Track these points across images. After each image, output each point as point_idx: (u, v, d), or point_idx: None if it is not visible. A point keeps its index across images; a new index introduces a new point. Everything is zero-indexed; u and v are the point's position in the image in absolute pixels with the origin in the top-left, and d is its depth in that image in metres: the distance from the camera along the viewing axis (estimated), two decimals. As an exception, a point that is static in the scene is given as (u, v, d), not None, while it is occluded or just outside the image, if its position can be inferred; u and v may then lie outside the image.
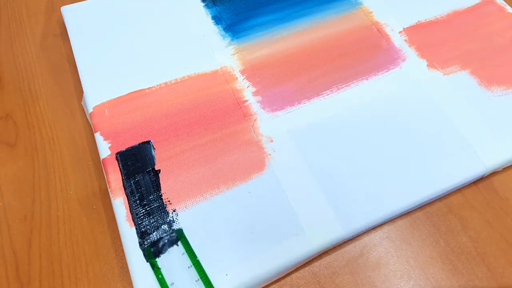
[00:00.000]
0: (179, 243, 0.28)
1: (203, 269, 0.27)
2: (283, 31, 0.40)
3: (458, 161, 0.32)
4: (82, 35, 0.39)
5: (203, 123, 0.34)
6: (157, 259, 0.27)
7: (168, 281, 0.27)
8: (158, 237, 0.28)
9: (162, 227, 0.29)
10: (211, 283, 0.27)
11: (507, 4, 0.42)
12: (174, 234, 0.28)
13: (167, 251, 0.28)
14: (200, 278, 0.27)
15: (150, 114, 0.34)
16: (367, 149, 0.33)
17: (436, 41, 0.39)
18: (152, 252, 0.28)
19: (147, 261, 0.27)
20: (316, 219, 0.29)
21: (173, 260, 0.28)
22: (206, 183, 0.31)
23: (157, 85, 0.36)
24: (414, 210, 0.31)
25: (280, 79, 0.37)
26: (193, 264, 0.27)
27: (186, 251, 0.28)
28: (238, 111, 0.35)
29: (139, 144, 0.33)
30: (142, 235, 0.28)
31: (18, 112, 0.36)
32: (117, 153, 0.32)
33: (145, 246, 0.28)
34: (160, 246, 0.28)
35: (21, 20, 0.43)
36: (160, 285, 0.27)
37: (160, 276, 0.27)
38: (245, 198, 0.30)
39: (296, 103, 0.35)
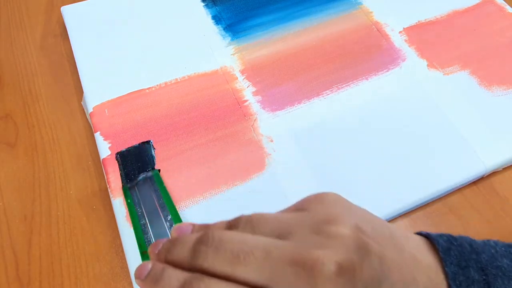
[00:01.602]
0: (154, 180, 0.30)
1: (173, 203, 0.29)
2: (283, 31, 0.40)
3: (458, 161, 0.32)
4: (82, 35, 0.39)
5: (203, 123, 0.34)
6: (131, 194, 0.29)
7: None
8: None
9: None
10: (179, 216, 0.28)
11: (507, 4, 0.42)
12: (150, 173, 0.30)
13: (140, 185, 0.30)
14: (171, 214, 0.28)
15: (150, 114, 0.34)
16: (367, 149, 0.33)
17: (436, 41, 0.39)
18: (128, 187, 0.30)
19: (123, 188, 0.29)
20: (316, 219, 0.29)
21: (145, 194, 0.29)
22: (206, 182, 0.31)
23: (157, 85, 0.36)
24: (414, 210, 0.31)
25: (280, 79, 0.37)
26: (165, 201, 0.28)
27: (159, 187, 0.29)
28: (238, 111, 0.35)
29: (139, 144, 0.33)
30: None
31: (18, 112, 0.36)
32: (117, 153, 0.32)
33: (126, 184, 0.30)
34: (136, 182, 0.30)
35: (21, 20, 0.43)
36: (129, 209, 0.29)
37: (129, 200, 0.28)
38: (245, 197, 0.30)
39: (296, 103, 0.35)
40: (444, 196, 0.32)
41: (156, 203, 0.28)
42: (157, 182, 0.30)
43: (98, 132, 0.33)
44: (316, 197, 0.21)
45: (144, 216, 0.28)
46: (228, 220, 0.21)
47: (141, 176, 0.30)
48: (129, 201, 0.28)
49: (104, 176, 0.32)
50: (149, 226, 0.27)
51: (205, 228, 0.21)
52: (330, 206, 0.20)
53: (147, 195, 0.29)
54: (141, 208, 0.28)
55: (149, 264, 0.20)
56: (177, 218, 0.28)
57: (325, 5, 0.42)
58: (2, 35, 0.41)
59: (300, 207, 0.21)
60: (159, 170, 0.31)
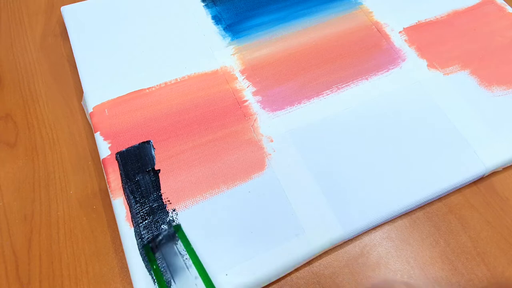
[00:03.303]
0: (178, 238, 0.28)
1: (202, 265, 0.27)
2: (283, 31, 0.40)
3: (458, 161, 0.32)
4: (82, 35, 0.39)
5: (203, 123, 0.34)
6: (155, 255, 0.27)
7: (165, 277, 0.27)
8: (157, 233, 0.28)
9: (161, 226, 0.29)
10: (210, 280, 0.27)
11: (507, 4, 0.42)
12: (172, 229, 0.28)
13: (164, 247, 0.28)
14: (199, 275, 0.27)
15: (150, 114, 0.34)
16: (367, 149, 0.33)
17: (436, 41, 0.39)
18: (150, 247, 0.28)
19: (144, 257, 0.27)
20: (316, 219, 0.29)
21: (171, 257, 0.28)
22: (206, 183, 0.31)
23: (157, 85, 0.36)
24: (414, 210, 0.31)
25: (280, 79, 0.37)
26: (192, 261, 0.27)
27: (185, 246, 0.28)
28: (238, 111, 0.35)
29: (139, 144, 0.33)
30: (142, 235, 0.28)
31: (18, 112, 0.36)
32: (117, 153, 0.32)
33: (144, 243, 0.28)
34: (157, 241, 0.28)
35: (21, 20, 0.43)
36: (156, 276, 0.27)
37: (155, 266, 0.27)
38: (245, 198, 0.30)
39: (296, 103, 0.35)
40: (444, 196, 0.32)
41: (186, 269, 0.27)
42: (182, 242, 0.28)
43: (98, 132, 0.33)
44: None
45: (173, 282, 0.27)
46: None
47: (163, 232, 0.28)
48: (155, 267, 0.27)
49: (104, 176, 0.32)
50: None
51: None
52: None
53: (173, 259, 0.28)
54: (169, 274, 0.27)
55: None
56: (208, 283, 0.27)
57: (325, 5, 0.42)
58: (2, 35, 0.41)
59: None
60: (179, 226, 0.29)
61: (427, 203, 0.32)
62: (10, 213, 0.31)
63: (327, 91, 0.36)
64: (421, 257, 0.29)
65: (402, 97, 0.36)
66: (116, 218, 0.29)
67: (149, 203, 0.30)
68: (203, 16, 0.41)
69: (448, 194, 0.32)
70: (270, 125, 0.34)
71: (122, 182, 0.31)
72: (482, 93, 0.36)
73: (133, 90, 0.36)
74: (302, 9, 0.42)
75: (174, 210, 0.30)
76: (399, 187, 0.31)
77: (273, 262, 0.28)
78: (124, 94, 0.35)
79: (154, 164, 0.32)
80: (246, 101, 0.35)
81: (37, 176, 0.33)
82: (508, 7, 0.42)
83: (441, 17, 0.41)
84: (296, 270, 0.29)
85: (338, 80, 0.37)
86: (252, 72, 0.37)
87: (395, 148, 0.33)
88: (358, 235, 0.30)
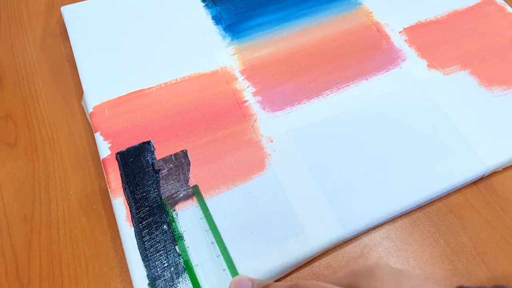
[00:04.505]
0: (195, 199, 0.29)
1: (220, 234, 0.28)
2: (283, 31, 0.40)
3: (458, 161, 0.32)
4: (82, 35, 0.39)
5: (203, 123, 0.34)
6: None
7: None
8: (174, 191, 0.30)
9: (162, 227, 0.29)
10: (228, 252, 0.28)
11: (507, 4, 0.42)
12: (190, 190, 0.29)
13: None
14: (219, 248, 0.28)
15: (150, 114, 0.34)
16: (367, 149, 0.33)
17: (436, 41, 0.39)
18: (169, 203, 0.29)
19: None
20: (316, 219, 0.29)
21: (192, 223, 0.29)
22: (206, 183, 0.31)
23: (157, 85, 0.36)
24: (414, 210, 0.31)
25: (280, 79, 0.37)
26: (210, 228, 0.28)
27: (202, 209, 0.29)
28: (238, 111, 0.35)
29: (139, 144, 0.33)
30: (142, 235, 0.28)
31: (18, 112, 0.36)
32: (117, 153, 0.32)
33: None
34: (176, 198, 0.29)
35: (21, 20, 0.43)
36: (174, 232, 0.28)
37: (174, 224, 0.28)
38: (245, 198, 0.30)
39: (296, 103, 0.35)
40: (444, 196, 0.32)
41: (206, 238, 0.28)
42: (202, 209, 0.29)
43: (98, 132, 0.33)
44: (367, 271, 0.20)
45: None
46: (287, 284, 0.22)
47: (182, 191, 0.30)
48: (174, 224, 0.29)
49: (104, 176, 0.32)
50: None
51: None
52: (383, 283, 0.19)
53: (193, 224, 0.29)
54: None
55: None
56: (227, 257, 0.28)
57: (325, 5, 0.42)
58: (2, 35, 0.41)
59: (352, 283, 0.20)
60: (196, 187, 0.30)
61: (427, 203, 0.32)
62: (10, 213, 0.31)
63: (327, 91, 0.36)
64: (421, 257, 0.29)
65: (402, 97, 0.36)
66: (116, 218, 0.29)
67: (149, 203, 0.30)
68: (203, 16, 0.41)
69: (448, 194, 0.32)
70: (270, 125, 0.34)
71: (122, 182, 0.31)
72: (482, 93, 0.36)
73: (133, 90, 0.36)
74: (302, 9, 0.42)
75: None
76: (399, 187, 0.31)
77: (273, 262, 0.28)
78: (124, 94, 0.35)
79: (154, 164, 0.32)
80: (246, 101, 0.35)
81: (37, 176, 0.33)
82: (508, 7, 0.42)
83: (441, 17, 0.41)
84: (296, 270, 0.29)
85: (338, 80, 0.37)
86: (252, 72, 0.37)
87: (395, 148, 0.33)
88: (358, 235, 0.30)
